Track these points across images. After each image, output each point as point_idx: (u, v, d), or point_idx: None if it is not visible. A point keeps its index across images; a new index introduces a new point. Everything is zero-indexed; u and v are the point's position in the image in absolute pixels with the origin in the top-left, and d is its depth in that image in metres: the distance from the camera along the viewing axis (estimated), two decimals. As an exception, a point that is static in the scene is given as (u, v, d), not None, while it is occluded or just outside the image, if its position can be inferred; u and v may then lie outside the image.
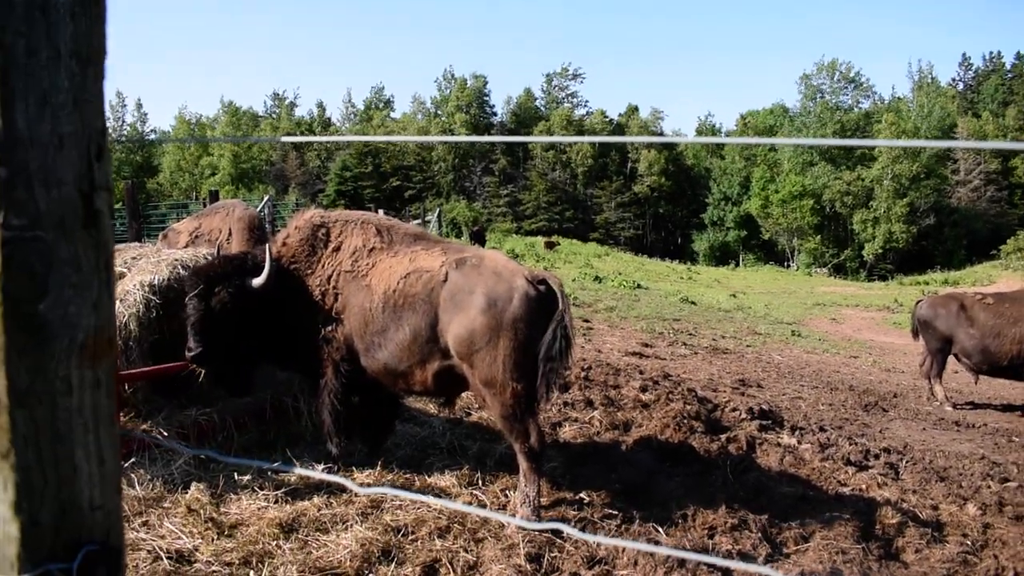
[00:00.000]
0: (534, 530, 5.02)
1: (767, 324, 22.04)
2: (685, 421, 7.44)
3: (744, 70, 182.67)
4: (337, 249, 6.08)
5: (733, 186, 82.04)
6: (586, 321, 15.71)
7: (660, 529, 5.22)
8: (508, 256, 6.14)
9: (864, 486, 6.55)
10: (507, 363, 5.19)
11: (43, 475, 0.94)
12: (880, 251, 71.06)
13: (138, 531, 4.67)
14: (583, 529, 5.15)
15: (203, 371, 5.94)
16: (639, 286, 26.18)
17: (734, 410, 8.67)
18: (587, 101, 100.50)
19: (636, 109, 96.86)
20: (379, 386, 6.01)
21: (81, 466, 0.98)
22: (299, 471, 2.29)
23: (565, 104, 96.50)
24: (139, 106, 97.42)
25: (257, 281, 5.82)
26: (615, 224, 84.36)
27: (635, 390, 8.79)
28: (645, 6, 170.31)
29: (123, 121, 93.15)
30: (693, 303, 24.54)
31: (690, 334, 16.67)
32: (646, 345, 13.32)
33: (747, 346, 16.45)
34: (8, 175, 0.88)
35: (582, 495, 5.73)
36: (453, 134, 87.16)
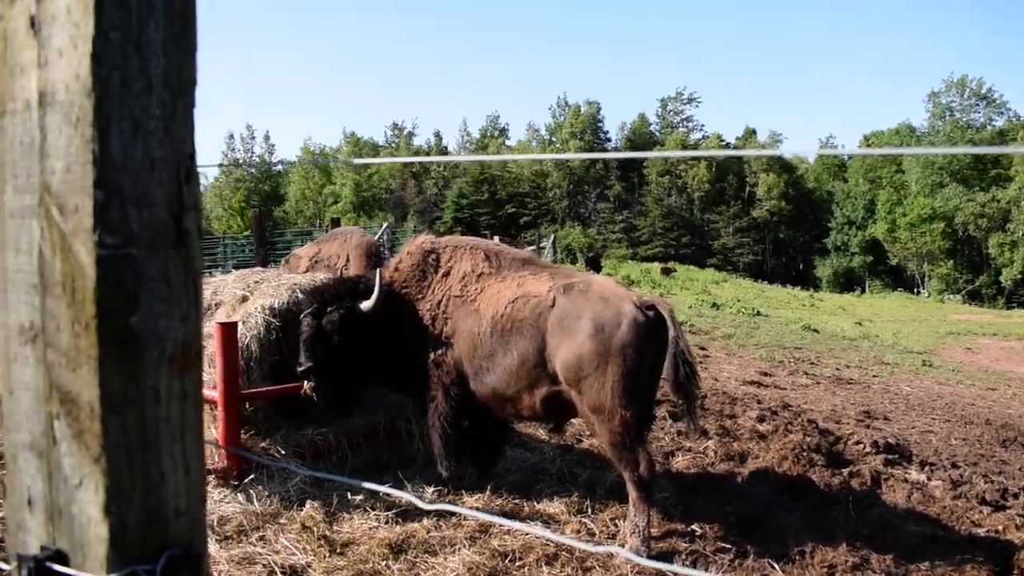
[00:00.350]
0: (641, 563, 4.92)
1: (895, 353, 20.99)
2: (805, 453, 7.15)
3: (867, 89, 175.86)
4: (447, 274, 6.19)
5: (857, 209, 78.99)
6: (702, 349, 15.38)
7: (776, 565, 5.02)
8: (623, 282, 6.10)
9: (1001, 527, 6.12)
10: (615, 389, 5.13)
11: (132, 480, 1.00)
12: (1019, 276, 66.74)
13: (255, 545, 4.85)
14: (694, 563, 5.01)
15: (313, 389, 6.12)
16: (758, 313, 25.47)
17: (858, 443, 8.27)
18: (703, 125, 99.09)
19: (754, 132, 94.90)
20: (488, 411, 6.05)
21: (168, 474, 1.04)
22: (369, 486, 2.31)
23: (680, 128, 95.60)
24: (267, 138, 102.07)
25: (366, 305, 6.00)
26: (733, 250, 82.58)
27: (752, 420, 8.53)
28: (762, 28, 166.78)
29: (252, 152, 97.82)
30: (816, 331, 23.67)
31: (812, 363, 16.06)
32: (765, 374, 12.92)
33: (873, 376, 15.70)
34: (104, 197, 0.96)
35: (694, 527, 5.58)
36: (567, 162, 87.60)
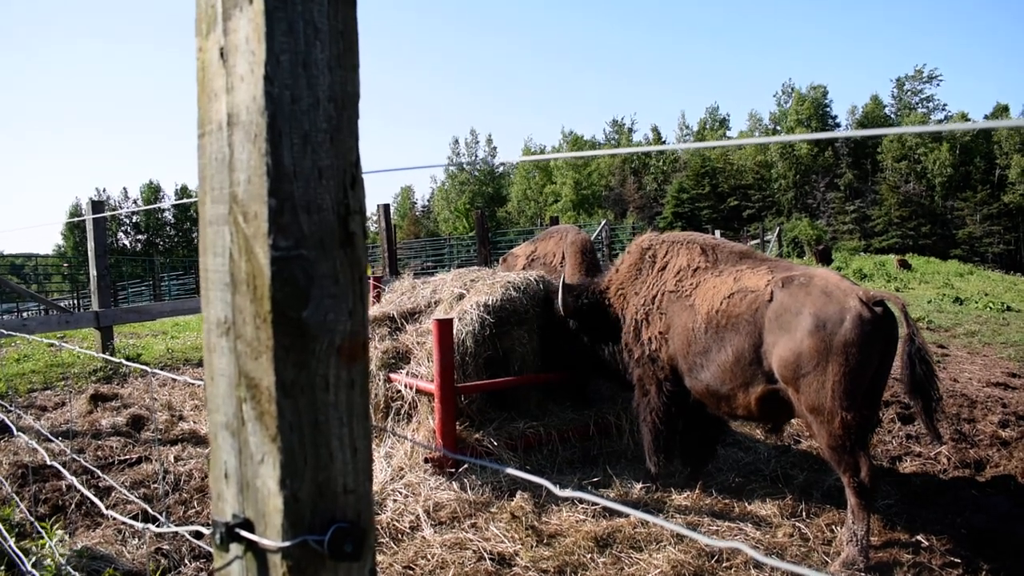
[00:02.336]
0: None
1: None
2: (1056, 463, 6.40)
3: None
4: (662, 269, 6.19)
5: None
6: (941, 347, 14.12)
7: (1014, 584, 4.55)
8: (854, 276, 5.77)
9: None
10: (836, 389, 4.86)
11: (304, 458, 1.12)
12: None
13: (466, 532, 5.08)
14: None
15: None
16: (1008, 308, 22.91)
17: (1124, 455, 7.26)
18: (945, 104, 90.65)
19: (1006, 108, 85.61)
20: (702, 408, 5.95)
21: (336, 454, 1.15)
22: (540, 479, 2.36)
23: (919, 109, 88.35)
24: (489, 141, 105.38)
25: (558, 304, 6.63)
26: (981, 239, 75.16)
27: (993, 425, 7.74)
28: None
29: (475, 155, 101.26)
30: (1080, 329, 20.98)
31: (1074, 365, 14.28)
32: (1013, 375, 11.63)
33: None
34: (277, 204, 1.07)
35: (919, 537, 5.16)
36: (793, 150, 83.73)
